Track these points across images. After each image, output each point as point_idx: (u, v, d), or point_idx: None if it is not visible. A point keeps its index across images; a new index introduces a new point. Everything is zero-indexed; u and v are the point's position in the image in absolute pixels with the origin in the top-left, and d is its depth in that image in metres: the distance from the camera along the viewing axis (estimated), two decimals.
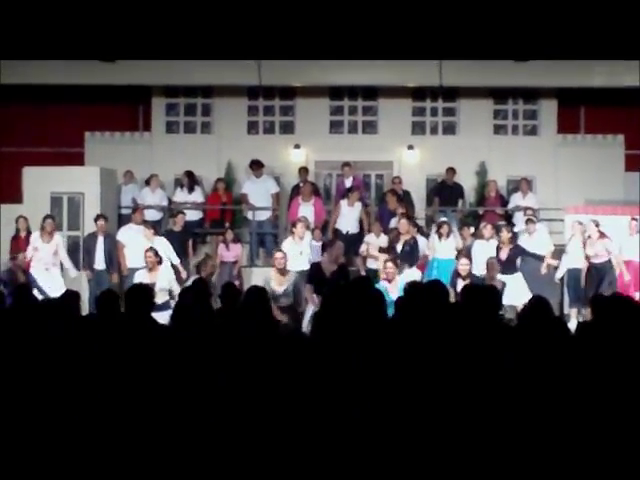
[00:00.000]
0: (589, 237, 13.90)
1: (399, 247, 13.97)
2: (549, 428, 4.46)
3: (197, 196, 16.93)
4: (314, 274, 12.44)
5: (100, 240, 14.47)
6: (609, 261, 13.87)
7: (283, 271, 12.07)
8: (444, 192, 17.11)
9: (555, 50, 14.57)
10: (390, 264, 12.19)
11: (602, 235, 13.86)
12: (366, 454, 4.32)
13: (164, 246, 13.66)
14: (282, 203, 16.98)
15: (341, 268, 12.33)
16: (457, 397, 4.59)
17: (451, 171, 17.13)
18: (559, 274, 14.28)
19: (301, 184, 16.58)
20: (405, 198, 16.52)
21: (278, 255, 12.24)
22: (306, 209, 15.71)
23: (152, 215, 16.38)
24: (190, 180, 16.89)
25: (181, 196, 16.86)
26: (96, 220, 14.57)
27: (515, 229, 15.31)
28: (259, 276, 13.44)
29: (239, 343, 5.29)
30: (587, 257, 13.90)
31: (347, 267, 13.02)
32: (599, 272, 13.79)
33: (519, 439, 4.42)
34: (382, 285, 11.46)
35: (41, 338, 5.68)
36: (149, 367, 5.04)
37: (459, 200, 17.12)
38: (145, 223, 14.66)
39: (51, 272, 13.78)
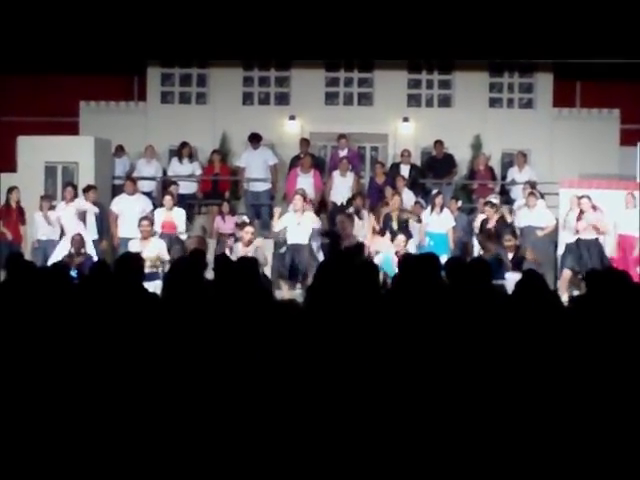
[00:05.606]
0: (581, 212, 13.79)
1: (395, 225, 13.95)
2: (544, 403, 4.48)
3: (194, 168, 16.83)
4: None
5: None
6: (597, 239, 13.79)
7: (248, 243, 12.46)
8: (435, 166, 17.06)
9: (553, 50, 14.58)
10: (402, 237, 12.27)
11: (594, 209, 13.78)
12: (359, 425, 4.33)
13: (181, 216, 14.02)
14: (279, 174, 16.91)
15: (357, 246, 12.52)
16: (449, 373, 4.60)
17: (439, 144, 17.06)
18: (560, 250, 14.18)
19: (302, 156, 16.52)
20: (412, 172, 16.45)
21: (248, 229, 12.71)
22: (305, 181, 15.68)
23: (147, 186, 16.33)
24: (187, 151, 16.80)
25: (177, 168, 16.76)
26: (86, 191, 14.52)
27: (517, 203, 15.34)
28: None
29: (231, 314, 5.29)
30: (577, 231, 13.81)
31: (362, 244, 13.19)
32: (587, 247, 13.72)
33: (513, 415, 4.43)
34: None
35: (33, 307, 5.68)
36: (139, 336, 5.04)
37: (452, 170, 17.06)
38: (168, 192, 14.70)
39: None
